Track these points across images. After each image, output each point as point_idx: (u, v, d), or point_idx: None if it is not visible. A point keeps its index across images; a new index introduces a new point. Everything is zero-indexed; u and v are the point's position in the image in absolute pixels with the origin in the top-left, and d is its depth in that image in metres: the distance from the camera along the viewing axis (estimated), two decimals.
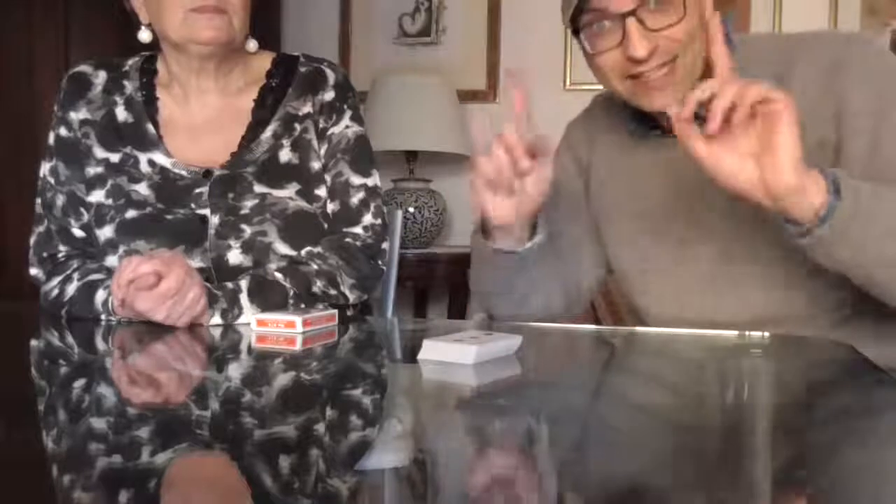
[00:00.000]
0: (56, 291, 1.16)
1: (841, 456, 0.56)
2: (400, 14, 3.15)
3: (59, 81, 1.26)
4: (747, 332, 0.99)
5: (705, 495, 0.49)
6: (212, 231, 1.16)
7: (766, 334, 0.99)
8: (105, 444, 0.56)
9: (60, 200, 1.22)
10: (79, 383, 0.77)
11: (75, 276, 1.16)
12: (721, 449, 0.58)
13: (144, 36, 1.22)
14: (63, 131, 1.24)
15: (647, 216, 1.15)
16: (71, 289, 1.15)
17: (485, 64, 3.05)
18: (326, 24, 3.20)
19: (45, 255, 1.22)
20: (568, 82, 2.95)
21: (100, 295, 1.12)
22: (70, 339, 1.04)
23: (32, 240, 1.23)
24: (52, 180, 1.23)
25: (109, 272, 1.14)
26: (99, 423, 0.61)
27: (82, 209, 1.21)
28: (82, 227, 1.22)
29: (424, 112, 2.80)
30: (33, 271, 1.22)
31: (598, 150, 1.23)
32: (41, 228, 1.23)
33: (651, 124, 1.13)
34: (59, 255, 1.22)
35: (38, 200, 1.24)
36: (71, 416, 0.63)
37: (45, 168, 1.24)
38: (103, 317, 1.11)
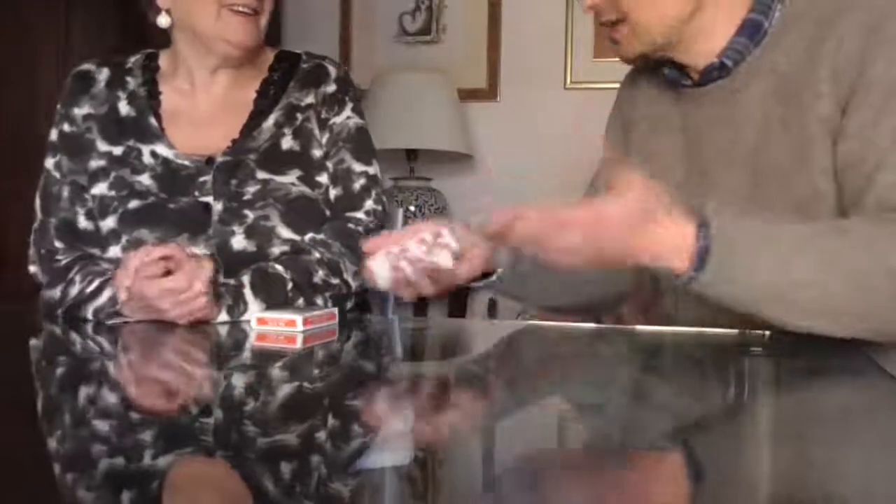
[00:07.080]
0: (58, 295, 1.16)
1: (841, 456, 0.56)
2: (400, 12, 3.14)
3: (60, 81, 1.26)
4: (747, 332, 0.99)
5: (705, 495, 0.49)
6: (215, 218, 1.16)
7: (767, 334, 0.99)
8: (104, 446, 0.56)
9: (66, 192, 1.22)
10: (78, 384, 0.77)
11: (77, 278, 1.16)
12: (721, 449, 0.58)
13: (163, 21, 1.21)
14: (66, 127, 1.24)
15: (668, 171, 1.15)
16: (73, 291, 1.14)
17: (485, 63, 3.05)
18: (326, 22, 3.20)
19: (42, 251, 1.22)
20: (568, 82, 2.93)
21: (102, 295, 1.11)
22: (70, 339, 1.04)
23: (32, 237, 1.24)
24: (56, 174, 1.23)
25: (111, 269, 1.14)
26: (97, 425, 0.61)
27: (87, 197, 1.22)
28: (88, 217, 1.21)
29: (425, 110, 2.79)
30: (32, 269, 1.23)
31: (639, 103, 1.24)
32: (41, 224, 1.23)
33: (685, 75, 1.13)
34: (59, 256, 1.21)
35: (39, 196, 1.24)
36: (70, 418, 0.63)
37: (48, 163, 1.24)
38: (103, 319, 1.11)
